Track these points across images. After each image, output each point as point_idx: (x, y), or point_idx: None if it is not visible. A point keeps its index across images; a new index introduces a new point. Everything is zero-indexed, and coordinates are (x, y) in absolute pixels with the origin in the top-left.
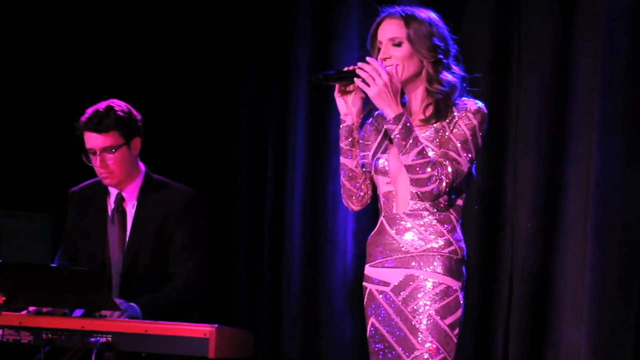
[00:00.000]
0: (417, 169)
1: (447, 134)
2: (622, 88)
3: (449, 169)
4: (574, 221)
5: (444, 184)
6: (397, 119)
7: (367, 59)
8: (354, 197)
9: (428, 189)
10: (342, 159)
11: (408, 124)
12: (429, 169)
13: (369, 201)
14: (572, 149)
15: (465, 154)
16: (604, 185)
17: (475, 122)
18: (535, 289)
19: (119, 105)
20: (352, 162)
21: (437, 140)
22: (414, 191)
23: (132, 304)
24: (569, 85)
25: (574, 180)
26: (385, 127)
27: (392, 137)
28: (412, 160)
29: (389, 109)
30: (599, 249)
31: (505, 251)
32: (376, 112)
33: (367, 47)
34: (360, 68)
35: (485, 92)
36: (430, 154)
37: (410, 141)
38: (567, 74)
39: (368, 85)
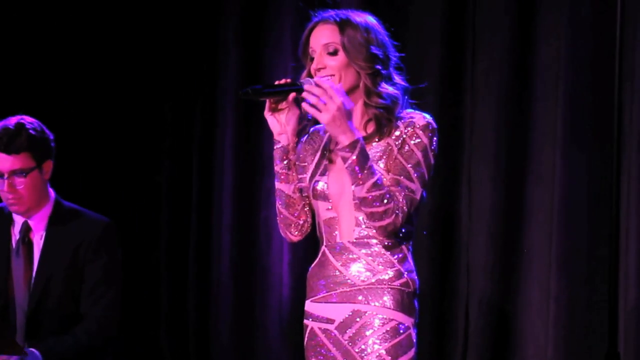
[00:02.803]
0: (373, 202)
1: (395, 154)
2: (587, 95)
3: (404, 200)
4: (536, 246)
5: (400, 217)
6: (352, 146)
7: (316, 80)
8: (292, 226)
9: (384, 223)
10: (277, 184)
11: (364, 152)
12: (385, 202)
13: (309, 229)
14: (533, 165)
15: (418, 179)
16: (570, 205)
17: (425, 140)
18: (494, 322)
19: (30, 122)
20: (289, 187)
21: (384, 160)
22: (360, 218)
23: (32, 349)
24: (528, 94)
25: (536, 201)
26: (339, 154)
27: (345, 165)
28: (367, 192)
29: (343, 136)
30: (564, 278)
31: (461, 280)
32: (312, 129)
33: (298, 55)
34: (308, 92)
35: (435, 103)
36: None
37: (366, 171)
38: (526, 81)
39: (319, 110)
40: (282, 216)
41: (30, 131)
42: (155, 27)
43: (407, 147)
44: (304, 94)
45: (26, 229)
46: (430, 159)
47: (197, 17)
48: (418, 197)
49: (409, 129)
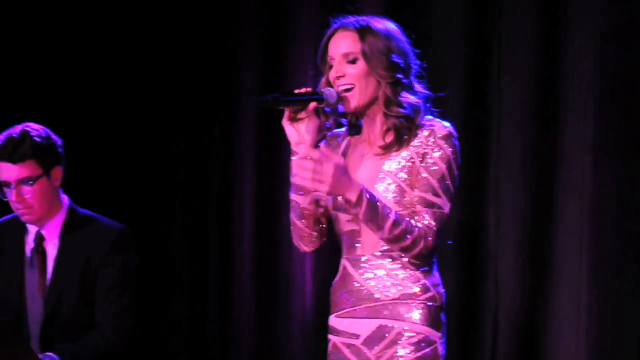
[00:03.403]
0: (399, 239)
1: (418, 168)
2: (618, 102)
3: (432, 220)
4: (567, 255)
5: (430, 239)
6: (360, 198)
7: (295, 161)
8: (306, 238)
9: (416, 251)
10: (292, 196)
11: (372, 200)
12: (410, 235)
13: (324, 240)
14: (563, 173)
15: (444, 194)
16: (601, 214)
17: (448, 151)
18: (523, 333)
19: (35, 129)
20: (305, 199)
21: (406, 171)
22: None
23: (49, 353)
24: (558, 98)
25: (566, 208)
26: (351, 212)
27: (360, 219)
28: (390, 233)
29: (348, 194)
30: (596, 288)
31: (489, 292)
32: (329, 133)
33: (317, 63)
34: (299, 170)
35: (460, 109)
36: (392, 196)
37: (380, 215)
38: (555, 85)
39: (317, 183)
40: (295, 227)
41: (35, 138)
42: (175, 33)
43: (430, 160)
44: (294, 179)
45: (40, 239)
46: (454, 170)
47: (215, 24)
48: (447, 211)
49: (431, 140)
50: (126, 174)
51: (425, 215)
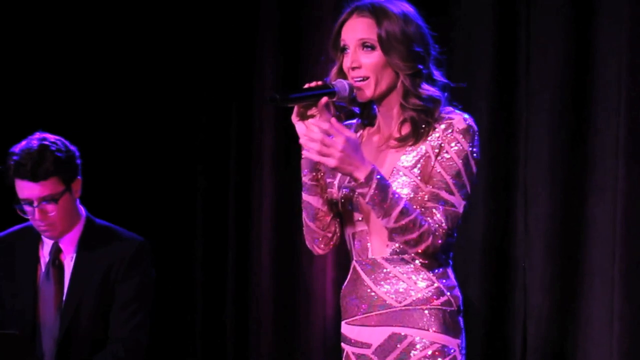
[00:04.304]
0: (404, 230)
1: (433, 162)
2: None
3: (442, 217)
4: (598, 261)
5: (439, 237)
6: (369, 178)
7: (310, 123)
8: (319, 240)
9: (421, 247)
10: (304, 196)
11: (382, 181)
12: (417, 228)
13: (338, 242)
14: (594, 175)
15: (459, 191)
16: (633, 218)
17: (465, 146)
18: (553, 343)
19: (53, 142)
20: (317, 200)
21: (420, 166)
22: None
23: None
24: (588, 100)
25: (597, 213)
26: (357, 191)
27: (366, 201)
28: (396, 222)
29: (357, 172)
30: (629, 295)
31: (517, 299)
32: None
33: (328, 49)
34: (306, 140)
35: (488, 108)
36: (406, 191)
37: (389, 201)
38: (586, 87)
39: (324, 156)
40: (308, 229)
41: (56, 153)
42: (193, 36)
43: (446, 155)
44: (302, 142)
45: (56, 251)
46: (472, 166)
47: (234, 28)
48: (461, 210)
49: (448, 132)
50: (143, 182)
51: (436, 212)
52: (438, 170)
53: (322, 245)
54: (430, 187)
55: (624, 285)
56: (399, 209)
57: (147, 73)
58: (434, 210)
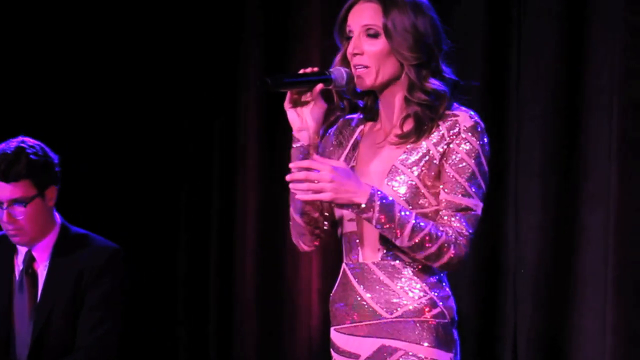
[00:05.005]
0: (422, 246)
1: (438, 163)
2: None
3: (463, 224)
4: (591, 271)
5: (463, 245)
6: (370, 201)
7: (291, 166)
8: (305, 236)
9: (444, 261)
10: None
11: (386, 201)
12: (434, 241)
13: (325, 240)
14: (586, 183)
15: (476, 193)
16: (627, 227)
17: (475, 144)
18: (544, 354)
19: (31, 146)
20: None
21: (421, 167)
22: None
23: None
24: (579, 105)
25: (590, 221)
26: (363, 217)
27: (373, 225)
28: (410, 240)
29: (356, 198)
30: (622, 307)
31: (508, 309)
32: (341, 119)
33: (334, 35)
34: (293, 181)
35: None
36: (403, 191)
37: (397, 221)
38: (577, 92)
39: (317, 193)
40: (294, 223)
41: (31, 156)
42: (178, 47)
43: (456, 156)
44: (291, 187)
45: (30, 260)
46: (484, 165)
47: (218, 40)
48: (479, 212)
49: (455, 131)
50: (124, 188)
51: (454, 220)
52: (451, 175)
53: (307, 242)
54: (444, 193)
55: (616, 296)
56: (409, 226)
57: (132, 84)
58: (452, 218)
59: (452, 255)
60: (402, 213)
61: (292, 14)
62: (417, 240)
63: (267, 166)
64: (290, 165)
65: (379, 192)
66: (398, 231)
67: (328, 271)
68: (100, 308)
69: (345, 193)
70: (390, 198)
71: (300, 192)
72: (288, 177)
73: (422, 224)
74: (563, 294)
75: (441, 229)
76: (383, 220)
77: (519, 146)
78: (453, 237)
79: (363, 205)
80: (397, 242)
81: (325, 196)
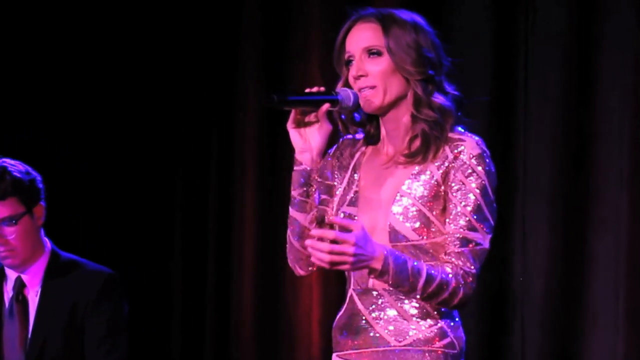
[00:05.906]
0: (436, 295)
1: (445, 196)
2: None
3: (469, 260)
4: (601, 299)
5: (470, 283)
6: (385, 265)
7: (314, 233)
8: (302, 261)
9: (455, 302)
10: (291, 211)
11: (398, 260)
12: (446, 288)
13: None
14: (596, 208)
15: (483, 227)
16: (638, 254)
17: (482, 174)
18: None
19: (12, 164)
20: (305, 217)
21: (427, 193)
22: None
23: None
24: (589, 128)
25: (600, 248)
26: (379, 280)
27: (390, 285)
28: (424, 292)
29: (372, 264)
30: (634, 337)
31: (515, 338)
32: (341, 139)
33: (333, 64)
34: (314, 250)
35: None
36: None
37: (411, 277)
38: (587, 115)
39: (339, 264)
40: (292, 247)
41: (15, 173)
42: (175, 49)
43: (462, 187)
44: (310, 251)
45: (20, 285)
46: (491, 195)
47: (216, 43)
48: (487, 245)
49: (460, 160)
50: (116, 211)
51: (461, 257)
52: (457, 207)
53: (304, 267)
54: (450, 227)
55: (628, 325)
56: (422, 280)
57: (129, 91)
58: (461, 257)
59: (460, 297)
60: (415, 268)
61: (291, 19)
62: (430, 291)
63: (267, 177)
64: (312, 232)
65: (390, 253)
66: (412, 287)
67: (328, 299)
68: (107, 338)
69: (363, 262)
70: (401, 255)
71: (321, 262)
72: (308, 243)
73: (433, 272)
74: (572, 324)
75: (449, 270)
76: (398, 279)
77: (526, 171)
78: (462, 278)
79: (379, 270)
80: (412, 296)
81: (344, 267)
